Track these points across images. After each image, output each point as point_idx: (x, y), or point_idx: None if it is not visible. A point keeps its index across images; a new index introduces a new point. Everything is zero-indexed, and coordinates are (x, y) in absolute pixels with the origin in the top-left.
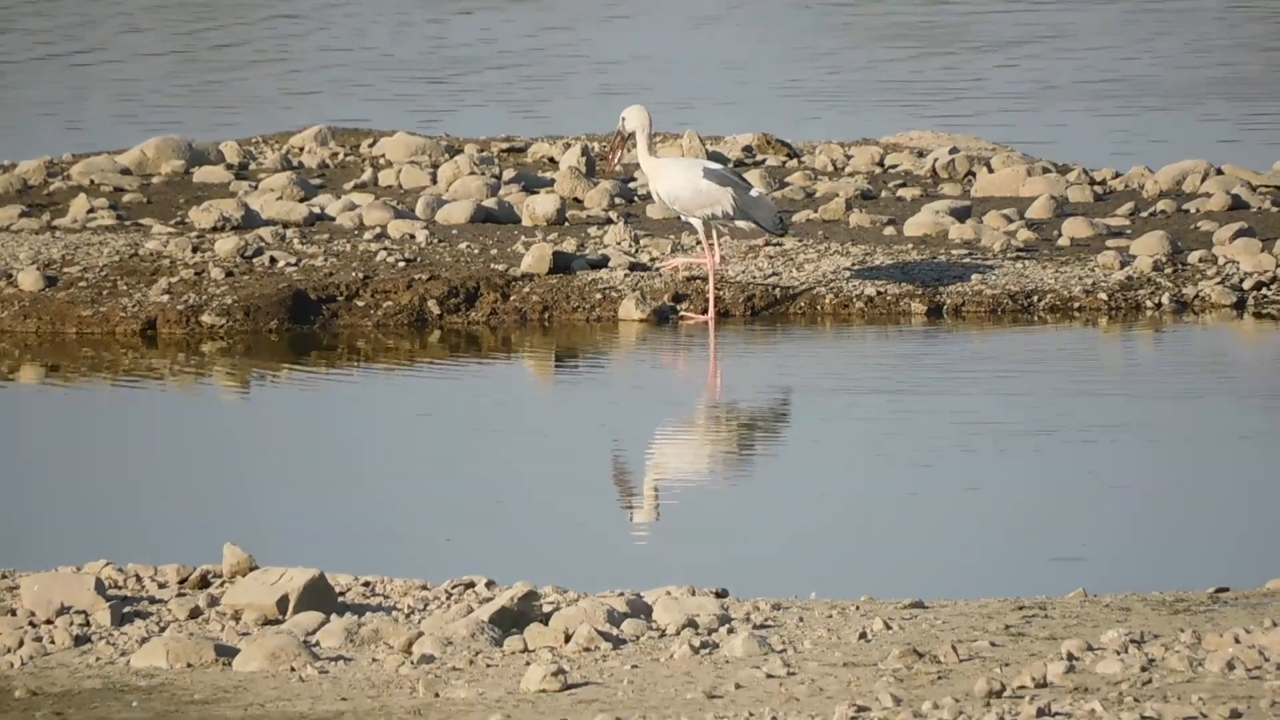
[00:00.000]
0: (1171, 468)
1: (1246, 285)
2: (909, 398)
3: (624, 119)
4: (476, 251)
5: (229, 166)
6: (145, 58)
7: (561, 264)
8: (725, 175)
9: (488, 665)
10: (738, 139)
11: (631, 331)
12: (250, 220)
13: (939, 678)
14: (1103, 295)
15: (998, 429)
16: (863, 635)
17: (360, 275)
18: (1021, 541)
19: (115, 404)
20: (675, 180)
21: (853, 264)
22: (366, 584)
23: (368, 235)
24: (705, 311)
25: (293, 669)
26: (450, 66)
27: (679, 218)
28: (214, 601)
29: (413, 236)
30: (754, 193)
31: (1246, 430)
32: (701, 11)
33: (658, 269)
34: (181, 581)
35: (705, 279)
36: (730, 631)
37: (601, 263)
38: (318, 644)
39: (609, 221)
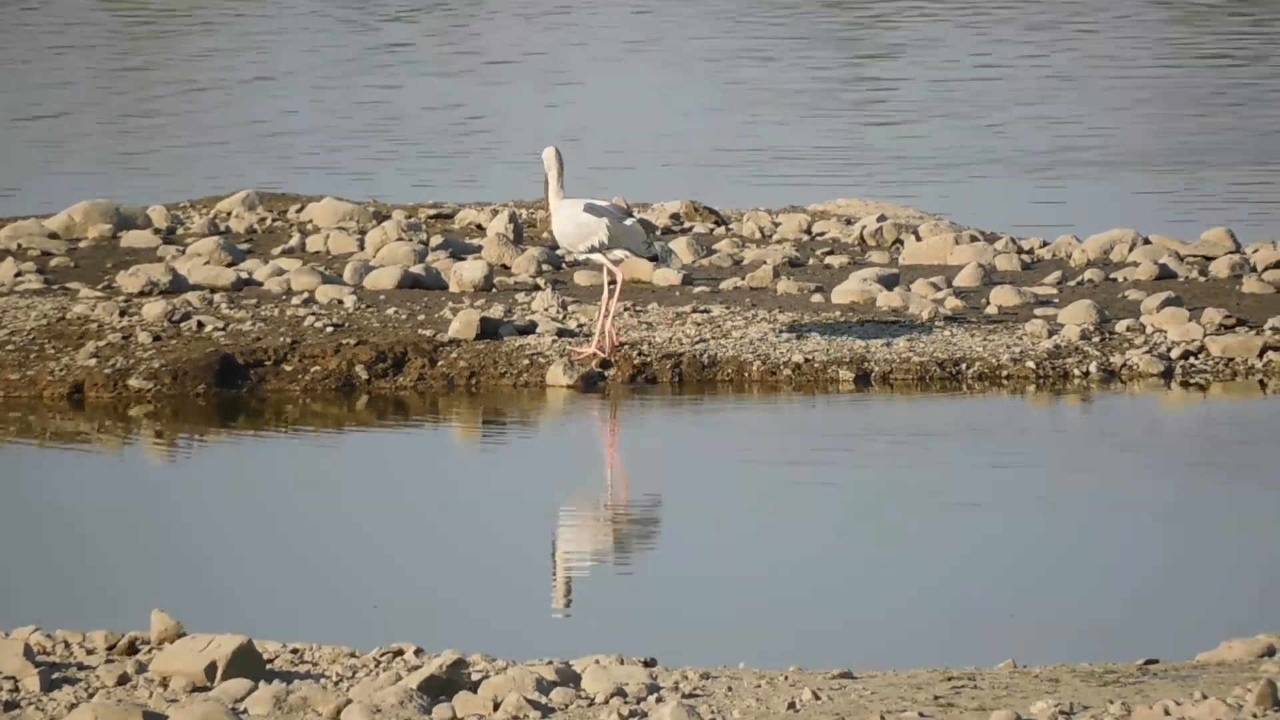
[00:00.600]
0: (1098, 538)
1: (1174, 354)
2: (829, 467)
3: (541, 159)
4: (404, 317)
5: (156, 231)
6: (73, 119)
7: (489, 330)
8: (602, 209)
9: None
10: (665, 206)
11: (559, 397)
12: (178, 285)
13: None
14: (1030, 364)
15: (922, 498)
16: (791, 705)
17: (288, 340)
18: (948, 612)
19: (43, 468)
20: (561, 217)
21: (780, 331)
22: (295, 651)
23: (295, 300)
24: (601, 347)
25: None
26: (376, 132)
27: (575, 261)
28: (142, 668)
29: (340, 302)
30: (626, 222)
31: (1174, 501)
32: (631, 80)
33: (578, 354)
34: (110, 648)
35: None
36: (659, 700)
37: (529, 329)
38: (246, 711)
39: (536, 288)
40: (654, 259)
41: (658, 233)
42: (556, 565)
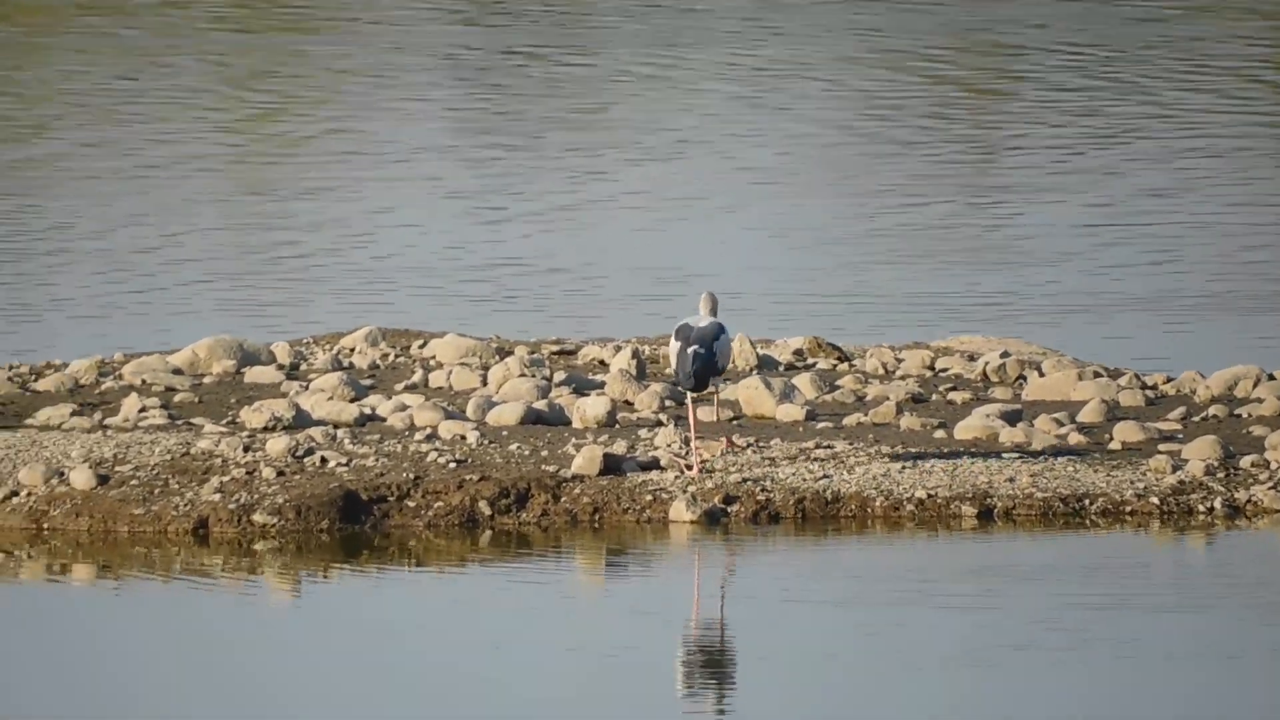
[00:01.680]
0: (1214, 681)
1: None
2: (945, 608)
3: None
4: (527, 453)
5: (280, 367)
6: (200, 259)
7: (612, 466)
8: (684, 328)
9: None
10: (789, 342)
11: (682, 533)
12: (301, 420)
13: None
14: (1154, 499)
15: (1038, 639)
16: None
17: (411, 476)
18: None
19: (167, 603)
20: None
21: (903, 467)
22: None
23: (419, 436)
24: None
25: None
26: (499, 270)
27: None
28: None
29: (463, 437)
30: (673, 345)
31: None
32: (752, 222)
33: (686, 469)
34: None
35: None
36: None
37: (652, 464)
38: None
39: (659, 424)
40: (688, 389)
41: (780, 368)
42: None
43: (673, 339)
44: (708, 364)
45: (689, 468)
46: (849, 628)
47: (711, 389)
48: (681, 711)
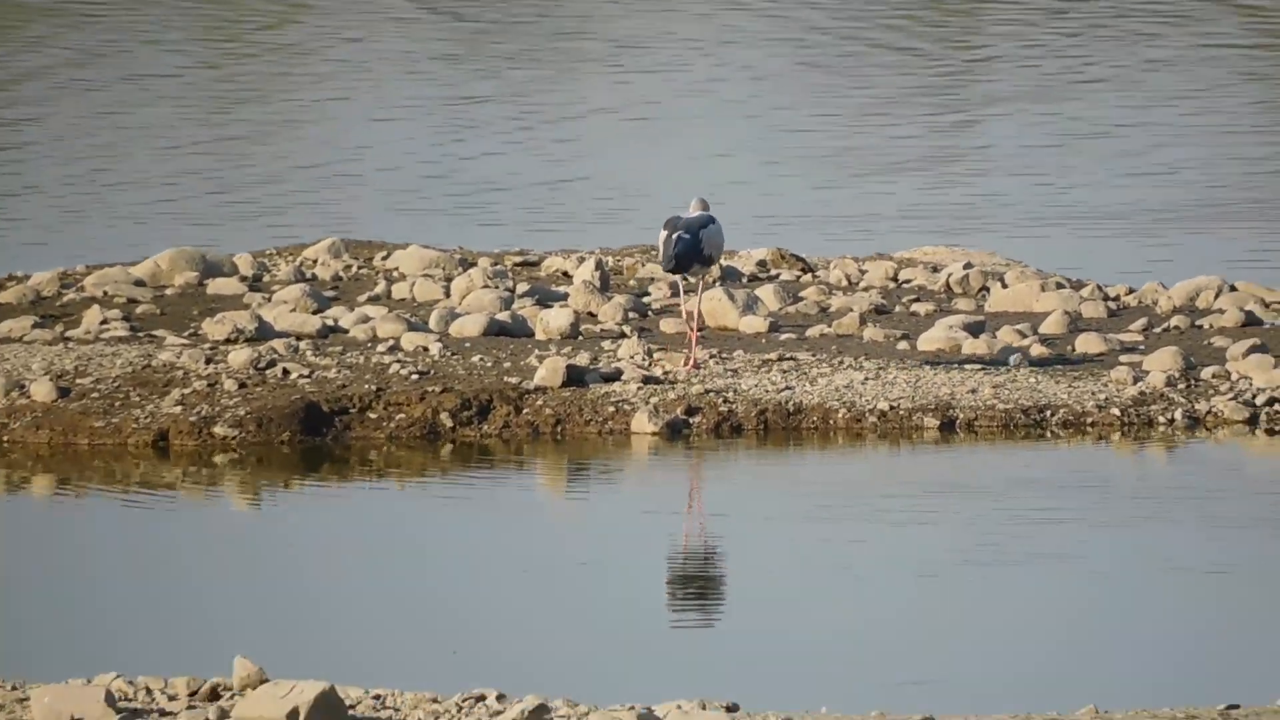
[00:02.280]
0: (1179, 586)
1: (1259, 401)
2: (909, 519)
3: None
4: (490, 365)
5: (243, 278)
6: (161, 168)
7: (575, 377)
8: (673, 219)
9: None
10: (752, 253)
11: (644, 445)
12: (264, 332)
13: None
14: (1115, 411)
15: (1006, 547)
16: None
17: (373, 388)
18: (1031, 657)
19: (127, 516)
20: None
21: (865, 378)
22: (377, 697)
23: (381, 348)
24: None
25: None
26: (464, 181)
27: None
28: (224, 714)
29: (426, 349)
30: (661, 234)
31: (1256, 549)
32: (718, 137)
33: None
34: (192, 694)
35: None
36: None
37: (615, 376)
38: None
39: (622, 335)
40: (670, 270)
41: (744, 278)
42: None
43: (661, 229)
44: (691, 247)
45: (686, 362)
46: (812, 541)
47: (700, 275)
48: (626, 619)
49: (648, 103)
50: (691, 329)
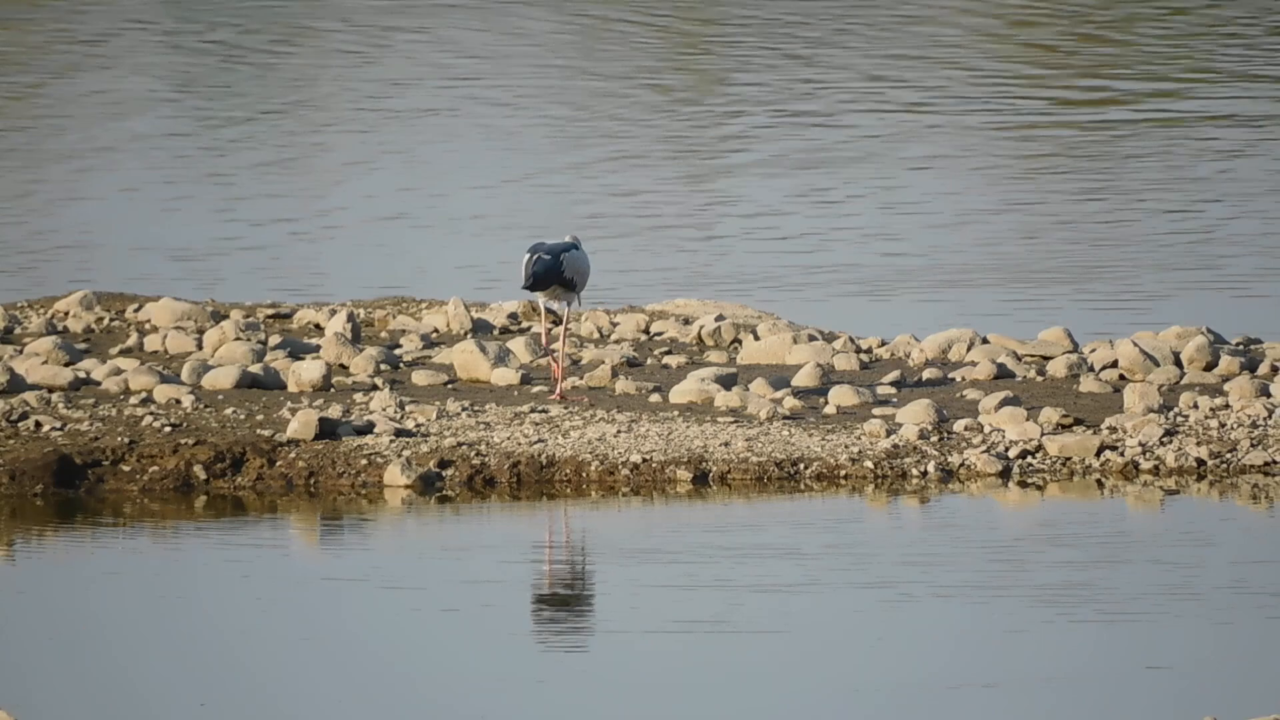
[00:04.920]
0: (949, 631)
1: (1012, 454)
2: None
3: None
4: (243, 417)
5: None
6: None
7: (327, 430)
8: (537, 245)
9: None
10: (503, 305)
11: (396, 497)
12: (15, 385)
13: None
14: (869, 463)
15: (761, 592)
16: None
17: (126, 440)
18: (799, 710)
19: None
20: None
21: (618, 431)
22: None
23: (134, 400)
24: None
25: None
26: (214, 231)
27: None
28: None
29: (179, 401)
30: (524, 259)
31: (1024, 596)
32: (473, 182)
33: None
34: None
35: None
36: None
37: (367, 429)
38: None
39: (375, 388)
40: (529, 289)
41: (495, 331)
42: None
43: (525, 253)
44: (550, 267)
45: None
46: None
47: (565, 301)
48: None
49: (391, 152)
50: (556, 361)
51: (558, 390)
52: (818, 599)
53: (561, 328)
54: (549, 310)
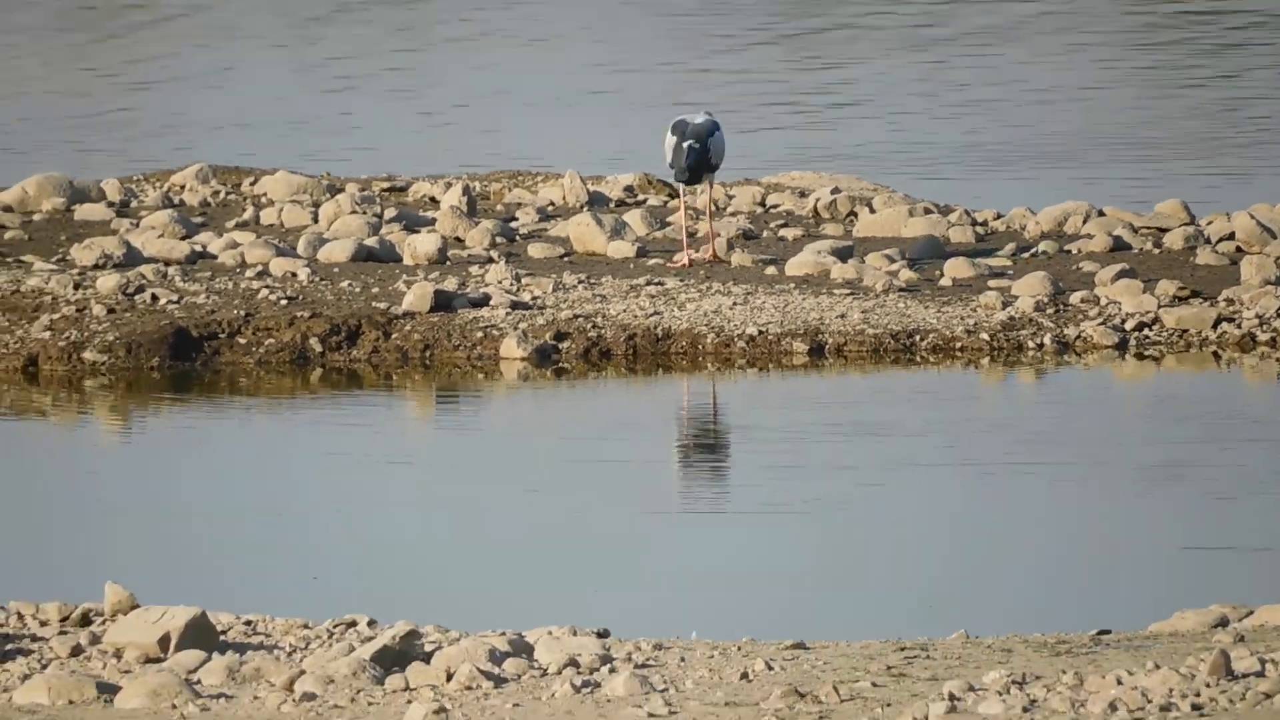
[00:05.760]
0: (1048, 508)
1: (1128, 326)
2: (779, 443)
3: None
4: (358, 290)
5: (110, 204)
6: (26, 92)
7: (443, 302)
8: (680, 124)
9: (369, 703)
10: (619, 179)
11: (512, 370)
12: (132, 258)
13: (821, 717)
14: (984, 335)
15: (871, 471)
16: (744, 675)
17: (242, 313)
18: (900, 583)
19: None
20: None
21: (734, 303)
22: (248, 623)
23: (249, 273)
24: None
25: (174, 706)
26: (329, 106)
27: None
28: (95, 640)
29: (294, 275)
30: (669, 139)
31: (1125, 471)
32: (586, 59)
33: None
34: (63, 620)
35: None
36: (612, 671)
37: (483, 301)
38: (199, 682)
39: (490, 260)
40: (682, 181)
41: (611, 204)
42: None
43: (668, 134)
44: (702, 158)
45: (692, 256)
46: (693, 474)
47: (705, 183)
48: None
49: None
50: (708, 225)
51: (687, 260)
52: (923, 475)
53: (707, 197)
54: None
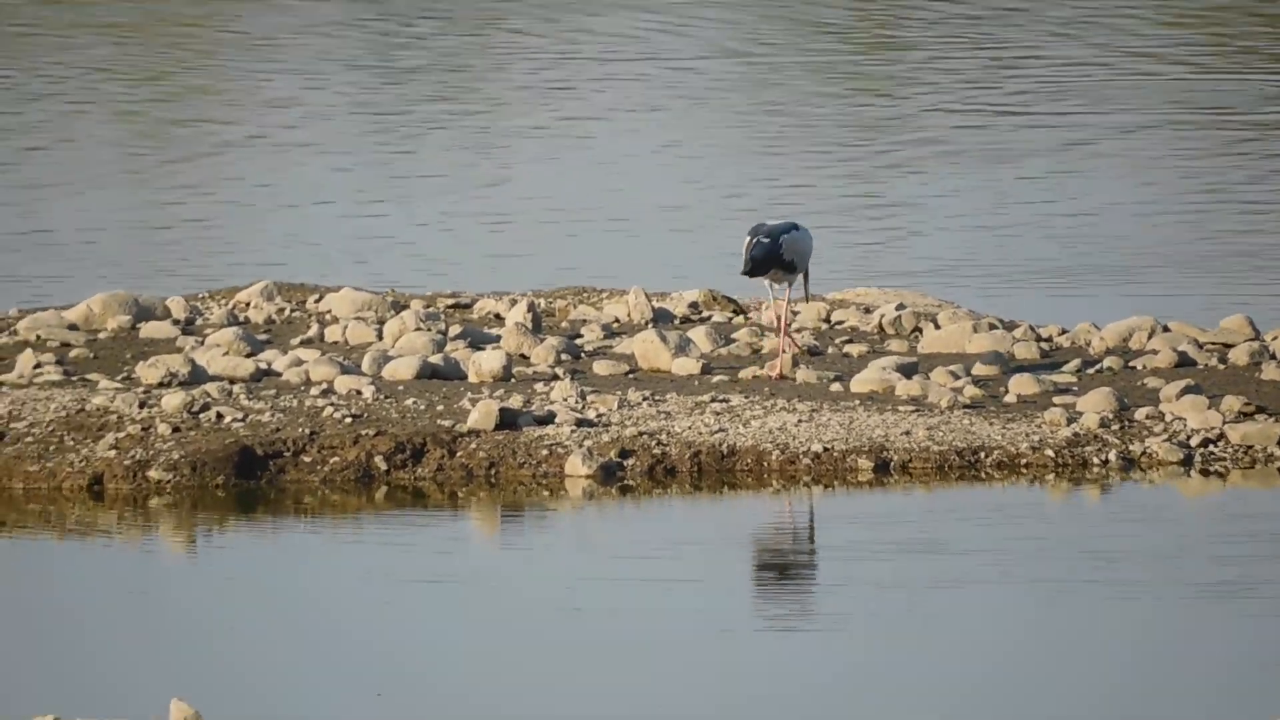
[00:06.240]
0: (1115, 627)
1: (1193, 442)
2: (843, 561)
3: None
4: (423, 407)
5: (175, 322)
6: (93, 211)
7: (508, 420)
8: (758, 226)
9: None
10: (684, 295)
11: (577, 488)
12: (197, 376)
13: None
14: (1049, 452)
15: (933, 589)
16: None
17: (307, 431)
18: (965, 701)
19: (64, 559)
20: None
21: (799, 420)
22: None
23: (314, 391)
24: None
25: None
26: (394, 223)
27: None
28: None
29: (359, 392)
30: (745, 240)
31: (1195, 590)
32: (649, 173)
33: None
34: None
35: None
36: None
37: (548, 419)
38: None
39: (555, 378)
40: (747, 274)
41: (675, 321)
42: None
43: (746, 237)
44: (770, 251)
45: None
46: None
47: (784, 284)
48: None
49: (577, 137)
50: (784, 335)
51: (778, 369)
52: (990, 594)
53: (785, 306)
54: (778, 295)
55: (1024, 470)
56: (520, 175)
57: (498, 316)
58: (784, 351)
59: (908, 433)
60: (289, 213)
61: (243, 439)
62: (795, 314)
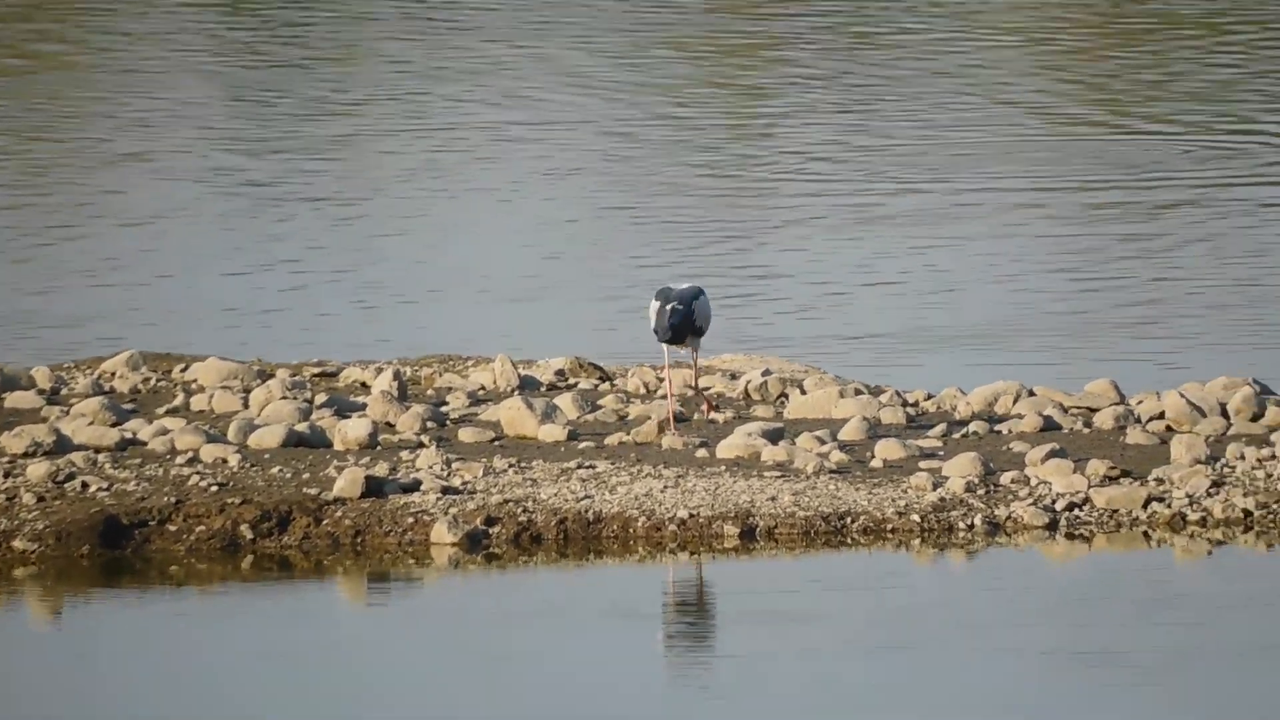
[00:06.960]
0: (977, 693)
1: (1059, 506)
2: (702, 629)
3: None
4: (289, 475)
5: (40, 392)
6: None
7: (374, 488)
8: (664, 290)
9: None
10: (550, 362)
11: (443, 555)
12: (62, 445)
13: None
14: (915, 517)
15: (791, 659)
16: None
17: (172, 500)
18: None
19: None
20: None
21: (665, 486)
22: None
23: (180, 460)
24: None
25: None
26: (262, 291)
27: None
28: None
29: (225, 461)
30: (652, 305)
31: (1058, 656)
32: (515, 239)
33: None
34: None
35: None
36: None
37: (413, 486)
38: None
39: (421, 445)
40: (665, 340)
41: (543, 388)
42: None
43: (652, 300)
44: (685, 318)
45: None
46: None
47: (689, 348)
48: None
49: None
50: (699, 393)
51: (709, 411)
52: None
53: (694, 369)
54: (674, 358)
55: (890, 535)
56: (384, 245)
57: (364, 385)
58: (705, 411)
59: (774, 498)
60: (159, 282)
61: (108, 508)
62: (700, 373)
